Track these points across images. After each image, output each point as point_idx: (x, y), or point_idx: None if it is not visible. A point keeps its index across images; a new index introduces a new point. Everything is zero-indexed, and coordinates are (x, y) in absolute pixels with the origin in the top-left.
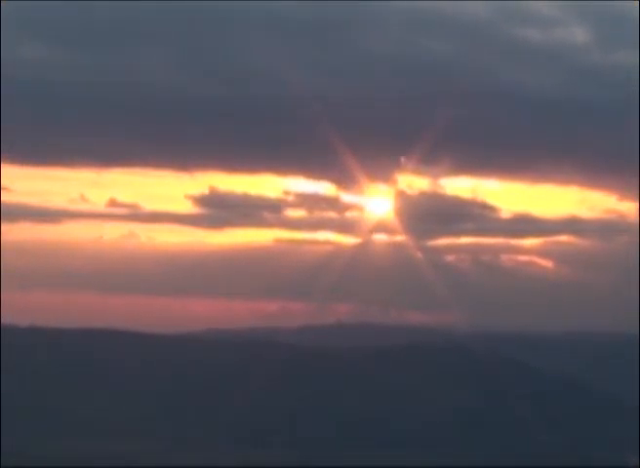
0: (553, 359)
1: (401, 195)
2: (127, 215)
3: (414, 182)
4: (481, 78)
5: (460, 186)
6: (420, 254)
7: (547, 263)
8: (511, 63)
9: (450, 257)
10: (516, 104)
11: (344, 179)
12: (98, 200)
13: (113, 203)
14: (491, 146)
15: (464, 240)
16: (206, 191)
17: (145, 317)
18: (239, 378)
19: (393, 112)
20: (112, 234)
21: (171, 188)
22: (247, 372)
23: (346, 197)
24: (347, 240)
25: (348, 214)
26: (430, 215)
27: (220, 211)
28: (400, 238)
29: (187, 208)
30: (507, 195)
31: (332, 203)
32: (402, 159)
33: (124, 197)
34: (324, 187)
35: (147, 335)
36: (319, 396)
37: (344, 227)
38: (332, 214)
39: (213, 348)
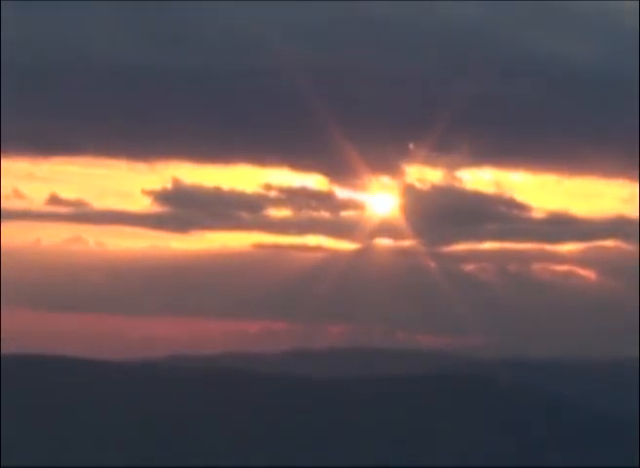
0: (596, 393)
1: (409, 190)
2: (71, 215)
3: (425, 174)
4: (507, 48)
5: (482, 179)
6: (432, 264)
7: (589, 274)
8: (546, 31)
9: (469, 267)
10: (551, 80)
11: (339, 171)
12: (35, 196)
13: (54, 200)
14: (519, 130)
15: (487, 245)
16: (168, 185)
17: (93, 341)
18: (210, 417)
19: (399, 87)
20: (53, 238)
21: (125, 182)
22: (219, 409)
23: (341, 192)
24: (343, 245)
25: (344, 214)
26: (445, 215)
27: (185, 209)
28: (408, 243)
29: (145, 206)
30: (540, 190)
31: (323, 200)
32: (410, 145)
33: (67, 192)
34: (314, 180)
35: (95, 363)
36: (309, 438)
37: (339, 230)
38: (324, 214)
39: (177, 379)
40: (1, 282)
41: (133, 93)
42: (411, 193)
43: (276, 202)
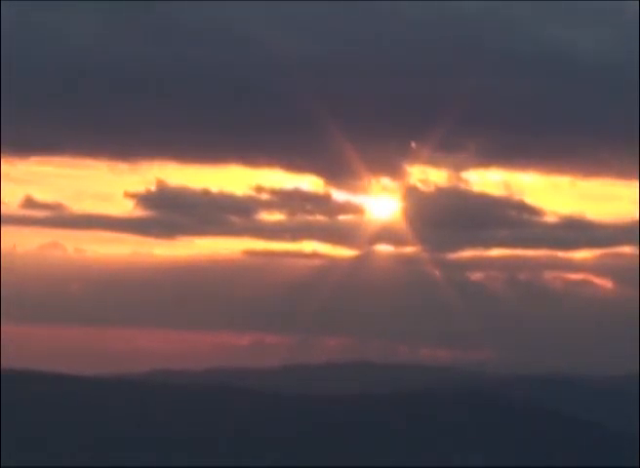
0: (613, 412)
1: (411, 192)
2: (48, 219)
3: (428, 175)
4: (517, 40)
5: (490, 181)
6: (436, 272)
7: (605, 283)
8: (563, 24)
9: (476, 276)
10: (566, 75)
11: (336, 172)
12: (8, 199)
13: (29, 203)
14: (530, 128)
15: (495, 252)
16: (152, 187)
17: (72, 354)
18: (197, 436)
19: (401, 83)
20: (29, 244)
21: (105, 183)
22: (206, 430)
23: (339, 195)
24: (340, 252)
25: (341, 218)
26: (450, 220)
27: (170, 213)
28: (410, 249)
29: (128, 209)
30: (552, 193)
31: (319, 203)
32: (413, 144)
33: (44, 195)
34: (309, 182)
35: (74, 378)
36: (303, 460)
37: (336, 235)
38: (319, 218)
39: (162, 395)
40: None
41: (114, 89)
42: (413, 196)
43: (268, 205)
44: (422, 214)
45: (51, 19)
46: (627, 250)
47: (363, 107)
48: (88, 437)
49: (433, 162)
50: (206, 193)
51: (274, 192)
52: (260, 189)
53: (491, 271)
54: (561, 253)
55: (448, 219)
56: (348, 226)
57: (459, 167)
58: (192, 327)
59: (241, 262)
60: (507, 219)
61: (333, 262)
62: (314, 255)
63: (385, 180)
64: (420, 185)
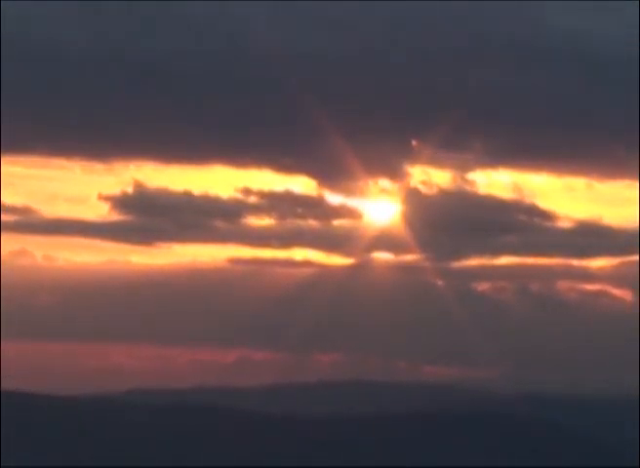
0: (632, 433)
1: (413, 195)
2: (15, 224)
3: (431, 177)
4: (529, 29)
5: (499, 182)
6: (439, 282)
7: (624, 294)
8: (576, 10)
9: (483, 286)
10: (580, 68)
11: (330, 172)
12: None
13: None
14: (542, 125)
15: (504, 261)
16: (129, 189)
17: (41, 372)
18: (179, 461)
19: (400, 76)
20: None
21: (78, 185)
22: (190, 452)
23: (333, 198)
24: (335, 260)
25: (336, 223)
26: (455, 225)
27: (149, 218)
28: (411, 258)
29: (102, 213)
30: (566, 196)
31: (312, 206)
32: (414, 143)
33: (11, 198)
34: (300, 184)
35: (44, 398)
36: None
37: (331, 242)
38: (312, 223)
39: (140, 415)
40: None
41: (88, 84)
42: (414, 198)
43: (256, 209)
44: (424, 219)
45: (19, 14)
46: None
47: (360, 102)
48: (57, 461)
49: (436, 162)
50: (188, 196)
51: (262, 194)
52: (246, 191)
53: (499, 281)
54: (576, 262)
55: (452, 225)
56: (343, 232)
57: (464, 167)
58: (173, 342)
59: (226, 271)
60: (517, 225)
61: (326, 271)
62: (306, 264)
63: (384, 182)
64: (421, 187)
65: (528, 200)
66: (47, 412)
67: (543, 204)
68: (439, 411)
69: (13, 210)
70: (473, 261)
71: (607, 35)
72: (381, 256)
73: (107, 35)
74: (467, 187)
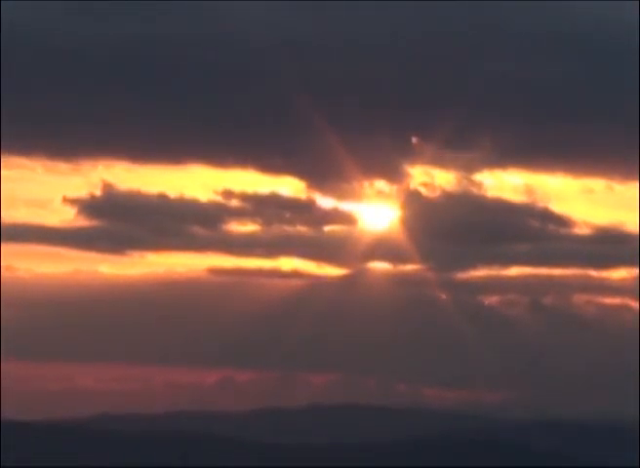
0: None
1: (413, 198)
2: None
3: (433, 178)
4: (542, 16)
5: (508, 184)
6: (443, 295)
7: None
8: None
9: (492, 300)
10: (597, 57)
11: (321, 173)
12: None
13: None
14: (556, 121)
15: (515, 271)
16: (98, 192)
17: (3, 395)
18: None
19: (400, 67)
20: None
21: (41, 187)
22: None
23: (324, 201)
24: (327, 271)
25: (327, 229)
26: (460, 232)
27: (120, 223)
28: (411, 268)
29: (68, 218)
30: (584, 199)
31: (301, 211)
32: (414, 140)
33: None
34: (288, 185)
35: (6, 423)
36: None
37: (322, 250)
38: (301, 230)
39: (111, 443)
40: None
41: (52, 76)
42: (415, 202)
43: (239, 213)
44: (426, 225)
45: None
46: None
47: (354, 96)
48: None
49: (439, 161)
50: (162, 199)
51: (245, 197)
52: (228, 194)
53: (508, 295)
54: (595, 273)
55: (456, 232)
56: (336, 239)
57: (469, 167)
58: (146, 362)
59: (205, 283)
60: (529, 231)
61: (317, 283)
62: (294, 275)
63: (381, 183)
64: (422, 189)
65: (541, 204)
66: (3, 439)
67: (558, 208)
68: (441, 440)
69: None
70: (480, 272)
71: (633, 23)
72: (378, 267)
73: (73, 26)
74: (474, 189)
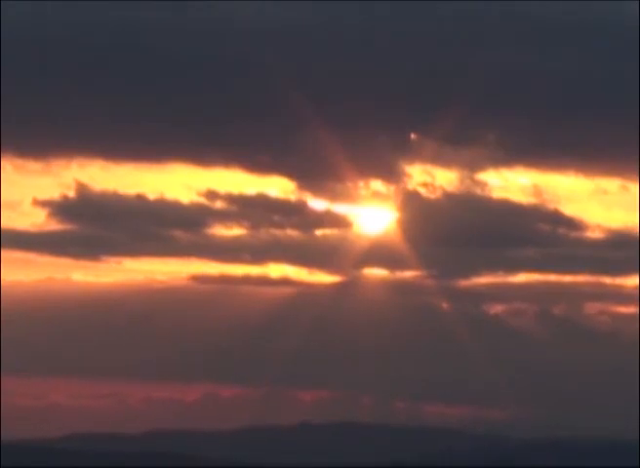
0: None
1: (411, 199)
2: None
3: (434, 177)
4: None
5: (515, 184)
6: (444, 304)
7: None
8: None
9: (497, 309)
10: (611, 47)
11: (312, 173)
12: None
13: None
14: (568, 116)
15: (522, 278)
16: (71, 193)
17: None
18: None
19: (398, 57)
20: None
21: (9, 188)
22: None
23: (316, 203)
24: (319, 278)
25: (319, 233)
26: (463, 236)
27: (95, 227)
28: (410, 274)
29: (39, 221)
30: (597, 200)
31: (291, 213)
32: (412, 136)
33: None
34: (277, 186)
35: None
36: None
37: (313, 256)
38: (291, 233)
39: (83, 465)
40: None
41: (21, 69)
42: (413, 204)
43: (224, 216)
44: (426, 228)
45: None
46: None
47: (347, 89)
48: None
49: (439, 159)
50: (141, 200)
51: (231, 199)
52: (212, 195)
53: (515, 303)
54: (608, 280)
55: (459, 235)
56: (329, 244)
57: (473, 166)
58: (123, 377)
59: (188, 291)
60: (538, 235)
61: (308, 291)
62: (284, 282)
63: (377, 184)
64: (422, 190)
65: (551, 205)
66: None
67: (570, 210)
68: (444, 460)
69: None
70: (484, 279)
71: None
72: (374, 273)
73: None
74: (477, 190)
